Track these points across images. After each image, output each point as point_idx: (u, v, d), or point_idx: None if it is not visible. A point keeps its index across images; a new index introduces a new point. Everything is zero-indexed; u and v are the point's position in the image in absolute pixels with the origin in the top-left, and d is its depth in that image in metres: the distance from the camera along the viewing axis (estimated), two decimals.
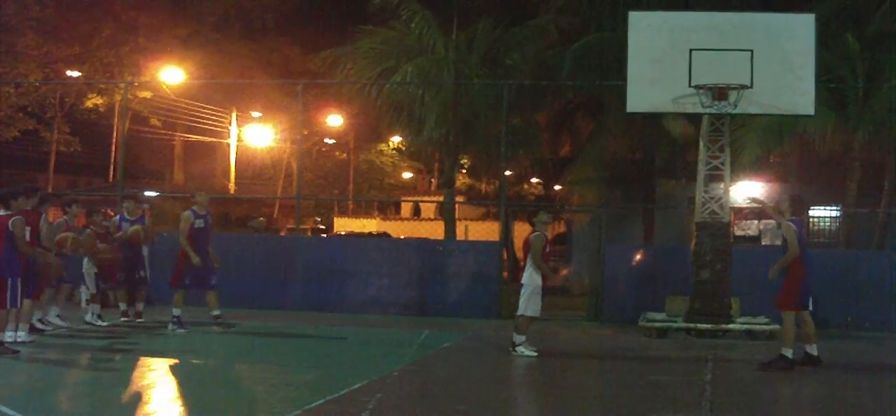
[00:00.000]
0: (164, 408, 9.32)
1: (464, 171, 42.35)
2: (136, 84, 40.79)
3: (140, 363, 12.13)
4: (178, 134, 50.08)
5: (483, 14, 23.38)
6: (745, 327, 15.79)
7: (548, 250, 13.70)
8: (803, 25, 15.83)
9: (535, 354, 13.18)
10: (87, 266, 15.47)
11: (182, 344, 13.99)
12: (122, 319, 15.79)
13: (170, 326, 14.80)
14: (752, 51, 15.28)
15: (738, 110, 15.75)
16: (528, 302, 13.28)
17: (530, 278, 13.33)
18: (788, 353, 12.09)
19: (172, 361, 12.14)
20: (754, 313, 16.29)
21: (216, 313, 15.17)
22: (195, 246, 14.88)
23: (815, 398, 10.86)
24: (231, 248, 19.82)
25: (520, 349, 13.24)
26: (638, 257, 18.93)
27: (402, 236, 34.56)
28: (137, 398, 9.81)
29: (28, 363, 11.87)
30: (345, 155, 59.71)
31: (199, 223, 15.05)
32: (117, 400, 9.81)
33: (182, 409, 9.19)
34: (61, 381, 11.08)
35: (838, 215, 24.10)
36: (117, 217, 16.36)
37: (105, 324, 15.38)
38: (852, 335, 16.50)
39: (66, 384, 10.95)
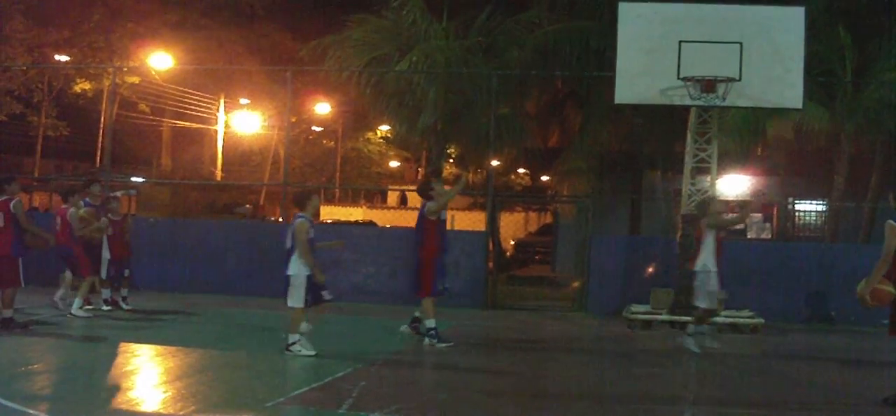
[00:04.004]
0: (148, 395, 9.28)
1: (451, 160, 42.27)
2: (124, 70, 40.59)
3: (122, 348, 12.06)
4: (165, 120, 49.90)
5: (476, 3, 23.24)
6: (729, 320, 15.79)
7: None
8: (793, 18, 15.77)
9: None
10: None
11: (166, 331, 13.94)
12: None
13: (426, 340, 12.98)
14: (741, 43, 15.24)
15: (726, 103, 15.73)
16: None
17: None
18: None
19: (159, 348, 12.07)
20: (739, 307, 16.31)
21: (419, 315, 13.41)
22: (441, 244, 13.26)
23: (798, 391, 10.86)
24: (214, 234, 19.84)
25: None
26: (624, 248, 18.93)
27: (389, 225, 34.47)
28: (120, 385, 9.75)
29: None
30: (332, 143, 59.59)
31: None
32: (98, 387, 9.76)
33: (165, 396, 9.14)
34: (55, 364, 11.04)
35: (825, 209, 24.13)
36: (82, 202, 16.18)
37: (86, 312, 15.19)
38: (838, 331, 16.54)
39: (51, 368, 10.88)
